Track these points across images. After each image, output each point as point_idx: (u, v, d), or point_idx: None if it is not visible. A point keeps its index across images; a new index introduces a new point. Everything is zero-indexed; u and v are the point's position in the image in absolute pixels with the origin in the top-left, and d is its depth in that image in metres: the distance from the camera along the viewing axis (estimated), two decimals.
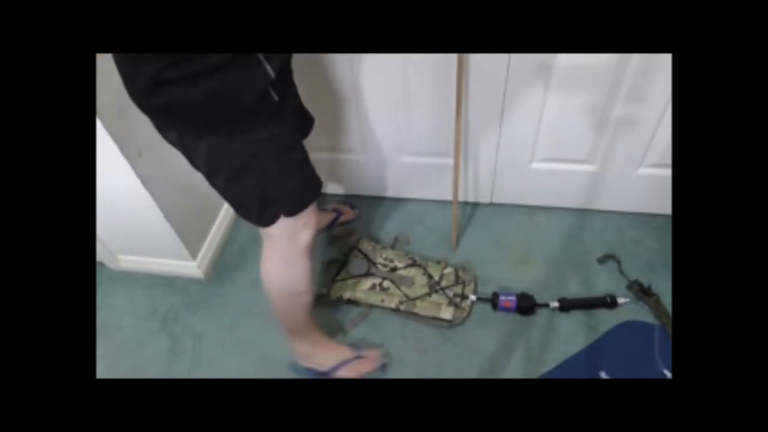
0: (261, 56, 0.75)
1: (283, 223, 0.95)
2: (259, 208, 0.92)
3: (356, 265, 1.50)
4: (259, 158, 0.85)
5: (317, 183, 1.00)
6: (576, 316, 1.35)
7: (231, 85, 0.75)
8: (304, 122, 1.19)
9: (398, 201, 1.71)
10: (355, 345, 1.32)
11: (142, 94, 0.77)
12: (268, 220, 0.94)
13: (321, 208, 1.65)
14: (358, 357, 1.27)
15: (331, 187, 1.75)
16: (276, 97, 0.80)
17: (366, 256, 1.52)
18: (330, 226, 1.62)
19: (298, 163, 0.94)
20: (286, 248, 1.00)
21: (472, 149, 1.48)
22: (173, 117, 0.79)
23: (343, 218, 1.64)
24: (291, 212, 0.95)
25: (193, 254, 1.51)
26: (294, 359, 1.29)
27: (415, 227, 1.63)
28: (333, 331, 1.38)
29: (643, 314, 1.34)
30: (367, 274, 1.48)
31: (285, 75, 0.85)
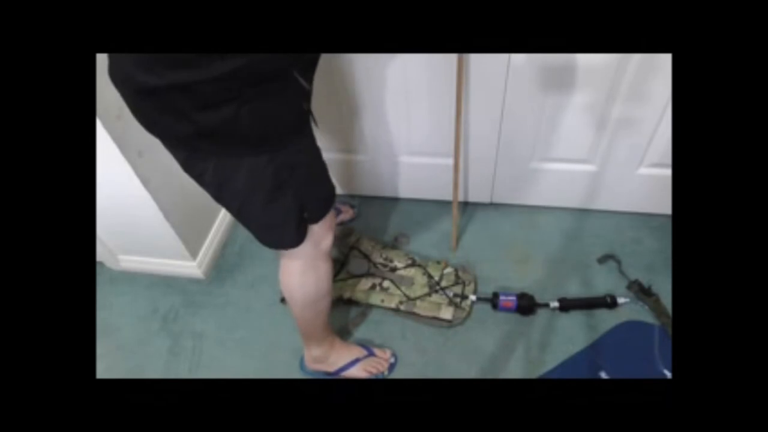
0: (295, 72, 0.74)
1: (312, 230, 0.95)
2: (296, 223, 0.90)
3: (356, 264, 1.50)
4: (298, 170, 0.84)
5: (333, 185, 1.00)
6: (576, 316, 1.35)
7: (276, 104, 0.74)
8: None
9: (398, 201, 1.71)
10: (364, 342, 1.33)
11: (179, 122, 0.72)
12: (302, 236, 0.93)
13: None
14: (370, 356, 1.28)
15: None
16: (306, 107, 0.81)
17: (366, 255, 1.52)
18: None
19: (324, 167, 0.95)
20: (311, 255, 0.99)
21: (472, 149, 1.48)
22: (215, 141, 0.75)
23: (342, 217, 1.64)
24: (318, 218, 0.94)
25: (193, 254, 1.51)
26: (302, 362, 1.29)
27: (415, 227, 1.63)
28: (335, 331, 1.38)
29: (643, 314, 1.34)
30: (367, 274, 1.48)
31: (312, 82, 0.84)
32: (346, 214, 1.65)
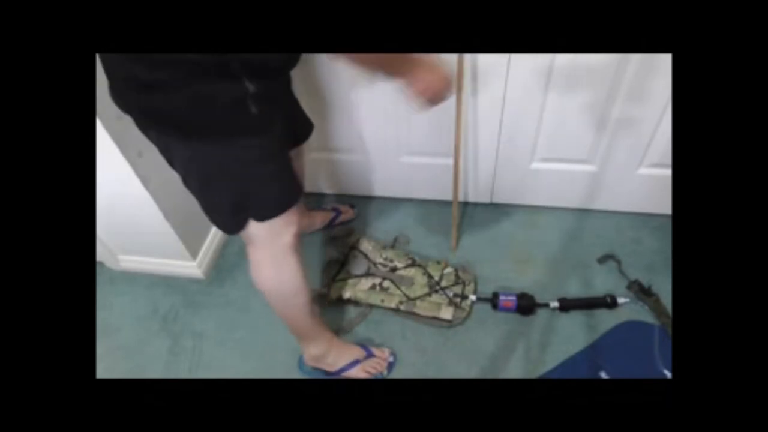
0: (242, 74, 0.76)
1: (264, 226, 0.95)
2: (228, 215, 0.94)
3: (356, 264, 1.50)
4: (235, 166, 0.86)
5: (294, 191, 0.99)
6: (576, 316, 1.35)
7: (207, 93, 0.76)
8: (302, 129, 1.21)
9: (398, 201, 1.71)
10: (364, 342, 1.34)
11: (122, 93, 0.81)
12: (234, 228, 0.96)
13: (320, 208, 1.65)
14: (369, 356, 1.28)
15: (331, 187, 1.75)
16: (255, 110, 0.80)
17: (366, 256, 1.52)
18: (329, 226, 1.63)
19: (276, 172, 0.93)
20: (270, 249, 1.00)
21: (472, 149, 1.48)
22: (153, 118, 0.82)
23: (342, 217, 1.64)
24: (264, 218, 0.95)
25: (193, 254, 1.51)
26: (301, 360, 1.29)
27: (415, 227, 1.63)
28: (334, 331, 1.38)
29: (643, 314, 1.34)
30: (367, 274, 1.48)
31: (272, 88, 0.85)
32: (346, 214, 1.65)
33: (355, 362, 1.26)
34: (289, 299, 1.09)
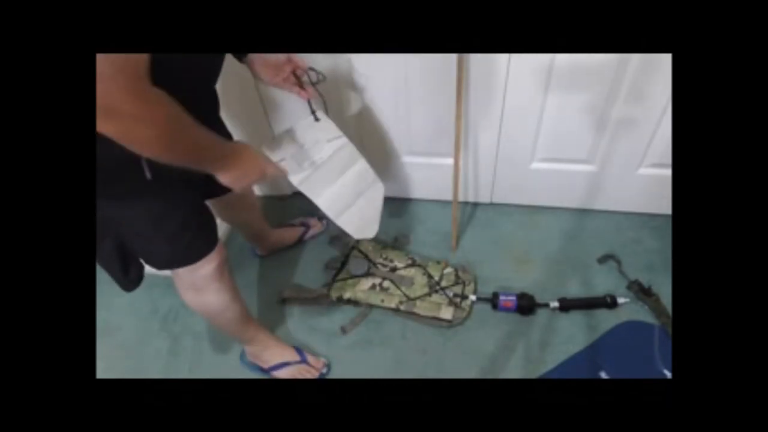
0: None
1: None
2: (120, 270, 0.95)
3: (356, 264, 1.50)
4: (118, 224, 0.86)
5: (197, 249, 0.98)
6: (576, 316, 1.35)
7: (100, 153, 0.73)
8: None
9: (398, 201, 1.71)
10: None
11: None
12: (130, 285, 0.99)
13: (288, 223, 1.62)
14: (302, 362, 1.29)
15: None
16: (149, 176, 0.79)
17: (366, 256, 1.52)
18: (299, 241, 1.61)
19: (171, 234, 0.92)
20: (189, 280, 1.02)
21: (472, 149, 1.48)
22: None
23: (311, 232, 1.63)
24: (163, 268, 0.98)
25: None
26: (243, 353, 1.33)
27: (415, 227, 1.63)
28: (329, 331, 1.38)
29: (643, 314, 1.34)
30: (367, 274, 1.48)
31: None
32: (315, 227, 1.63)
33: (285, 364, 1.28)
34: (217, 317, 1.13)
